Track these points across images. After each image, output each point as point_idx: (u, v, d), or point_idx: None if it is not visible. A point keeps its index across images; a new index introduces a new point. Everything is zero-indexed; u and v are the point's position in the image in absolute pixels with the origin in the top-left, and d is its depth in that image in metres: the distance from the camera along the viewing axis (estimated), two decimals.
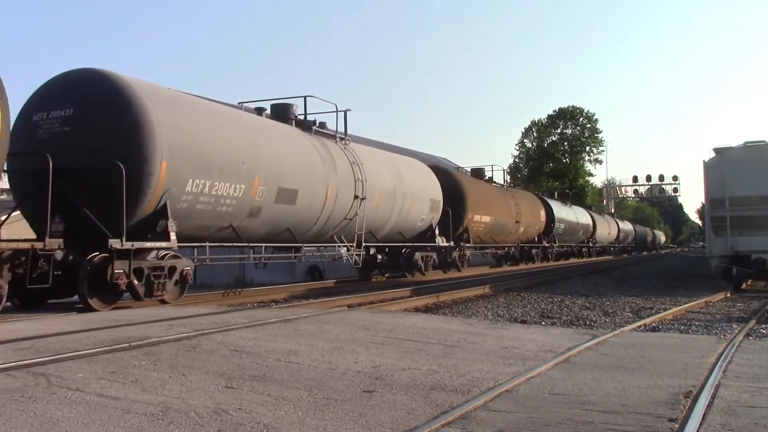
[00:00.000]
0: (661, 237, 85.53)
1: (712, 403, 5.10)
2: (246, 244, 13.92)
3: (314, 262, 21.65)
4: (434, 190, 22.04)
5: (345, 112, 18.06)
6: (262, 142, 13.81)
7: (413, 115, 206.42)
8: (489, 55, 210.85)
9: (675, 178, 79.48)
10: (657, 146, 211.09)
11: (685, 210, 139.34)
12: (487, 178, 31.22)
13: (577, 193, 70.53)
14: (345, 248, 17.11)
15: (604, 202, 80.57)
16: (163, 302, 11.69)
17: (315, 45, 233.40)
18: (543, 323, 11.25)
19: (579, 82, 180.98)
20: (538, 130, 75.99)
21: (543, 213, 36.46)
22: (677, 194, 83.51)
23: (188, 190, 11.46)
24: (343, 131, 17.76)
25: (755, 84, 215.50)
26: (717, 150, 19.62)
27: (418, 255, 21.20)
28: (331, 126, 17.75)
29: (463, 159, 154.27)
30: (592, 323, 11.48)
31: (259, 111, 16.42)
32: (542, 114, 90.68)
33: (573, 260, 44.37)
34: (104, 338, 6.93)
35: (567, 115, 75.40)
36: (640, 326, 10.72)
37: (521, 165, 75.50)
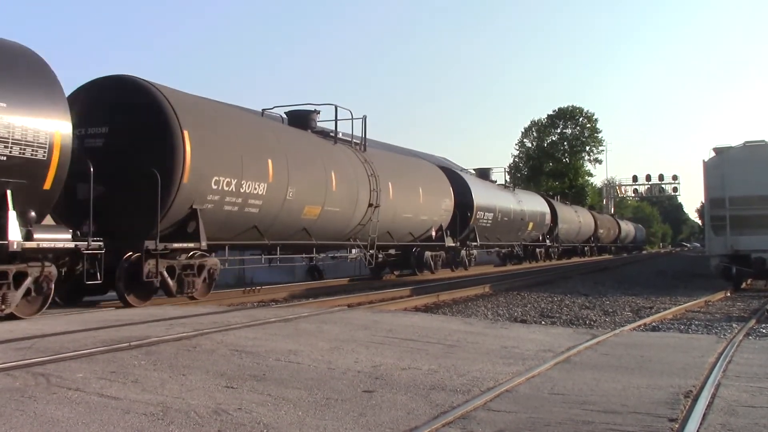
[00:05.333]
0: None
1: (712, 402, 5.10)
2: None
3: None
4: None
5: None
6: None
7: (413, 114, 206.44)
8: (489, 55, 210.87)
9: (675, 177, 79.49)
10: (657, 146, 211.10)
11: (685, 210, 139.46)
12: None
13: (577, 193, 70.56)
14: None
15: (604, 202, 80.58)
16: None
17: (315, 45, 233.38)
18: (543, 323, 11.25)
19: (579, 82, 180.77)
20: (538, 129, 75.97)
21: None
22: (677, 194, 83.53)
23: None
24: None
25: (755, 84, 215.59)
26: (717, 150, 19.62)
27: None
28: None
29: (463, 159, 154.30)
30: (592, 323, 11.48)
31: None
32: (542, 114, 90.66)
33: (575, 259, 44.61)
34: (104, 338, 6.92)
35: (567, 115, 75.37)
36: (640, 326, 10.72)
37: (521, 165, 75.45)
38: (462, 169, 31.08)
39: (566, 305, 14.21)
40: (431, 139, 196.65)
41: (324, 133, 17.47)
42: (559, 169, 73.05)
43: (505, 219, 29.24)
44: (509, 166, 75.06)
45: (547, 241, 37.77)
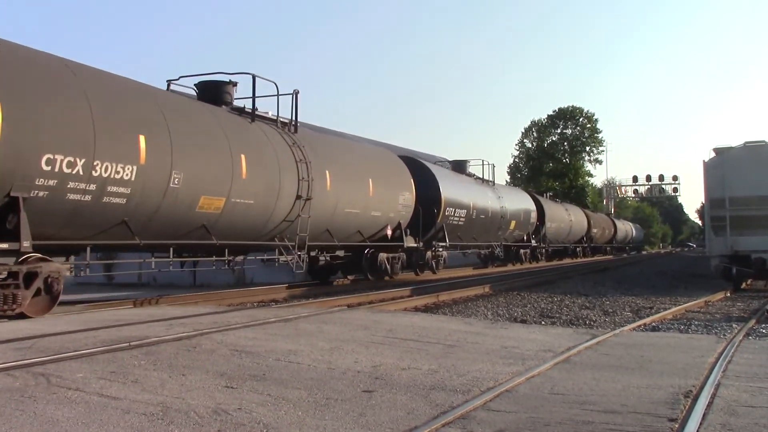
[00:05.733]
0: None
1: (712, 402, 5.10)
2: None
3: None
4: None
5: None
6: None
7: (413, 115, 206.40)
8: (489, 55, 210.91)
9: (675, 178, 79.62)
10: (657, 146, 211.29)
11: (685, 210, 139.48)
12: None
13: (577, 193, 70.57)
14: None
15: (604, 202, 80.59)
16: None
17: (314, 44, 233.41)
18: (543, 323, 11.25)
19: (579, 82, 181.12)
20: (538, 130, 76.00)
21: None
22: (677, 194, 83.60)
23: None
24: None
25: (755, 84, 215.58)
26: (717, 150, 19.63)
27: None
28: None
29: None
30: (592, 323, 11.48)
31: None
32: (542, 114, 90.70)
33: (567, 260, 42.83)
34: (104, 338, 6.92)
35: (567, 115, 75.40)
36: (639, 326, 10.72)
37: (521, 165, 75.52)
38: (437, 162, 27.43)
39: (566, 305, 14.22)
40: (431, 139, 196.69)
41: (242, 110, 14.36)
42: (559, 169, 73.06)
43: (482, 217, 26.26)
44: (509, 167, 75.46)
45: (533, 241, 34.95)
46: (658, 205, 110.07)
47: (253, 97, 14.39)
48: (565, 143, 75.37)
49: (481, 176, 29.18)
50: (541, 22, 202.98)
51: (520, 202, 32.85)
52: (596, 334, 8.83)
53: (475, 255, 30.43)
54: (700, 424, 4.49)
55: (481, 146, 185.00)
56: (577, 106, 75.76)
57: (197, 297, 13.82)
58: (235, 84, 14.60)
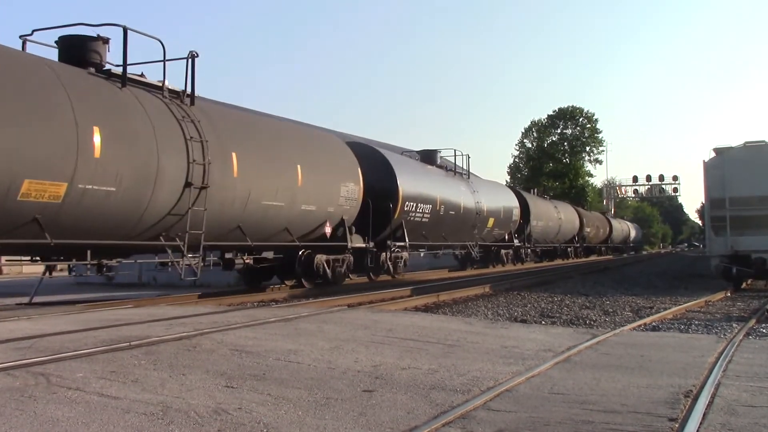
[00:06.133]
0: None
1: (712, 402, 5.10)
2: None
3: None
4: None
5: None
6: None
7: (413, 115, 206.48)
8: (489, 56, 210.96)
9: (675, 178, 79.64)
10: (657, 146, 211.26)
11: (685, 210, 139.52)
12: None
13: (577, 193, 70.57)
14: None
15: (604, 202, 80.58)
16: None
17: (314, 44, 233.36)
18: (543, 322, 11.24)
19: (579, 82, 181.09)
20: (538, 130, 76.00)
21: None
22: (677, 194, 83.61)
23: None
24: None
25: (755, 84, 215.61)
26: (717, 150, 19.62)
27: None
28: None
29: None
30: (592, 322, 11.48)
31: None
32: (542, 114, 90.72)
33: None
34: (104, 338, 6.92)
35: (567, 115, 75.40)
36: (640, 325, 10.72)
37: (521, 165, 75.53)
38: (406, 152, 24.80)
39: (566, 305, 14.21)
40: (431, 140, 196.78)
41: (112, 74, 11.19)
42: (559, 169, 73.07)
43: (452, 213, 23.33)
44: (510, 167, 75.43)
45: (516, 240, 31.96)
46: (658, 205, 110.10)
47: (124, 53, 11.19)
48: (565, 143, 75.37)
49: (457, 168, 26.20)
50: (541, 23, 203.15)
51: (500, 197, 29.86)
52: (596, 334, 8.83)
53: (451, 256, 28.25)
54: (700, 423, 4.49)
55: (481, 146, 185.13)
56: (577, 106, 75.85)
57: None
58: (106, 41, 11.42)
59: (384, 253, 19.41)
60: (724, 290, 17.38)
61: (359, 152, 18.31)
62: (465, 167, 26.75)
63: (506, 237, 30.74)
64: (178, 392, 4.87)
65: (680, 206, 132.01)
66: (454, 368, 6.13)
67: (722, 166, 18.79)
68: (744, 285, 19.36)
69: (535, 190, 43.04)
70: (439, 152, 25.60)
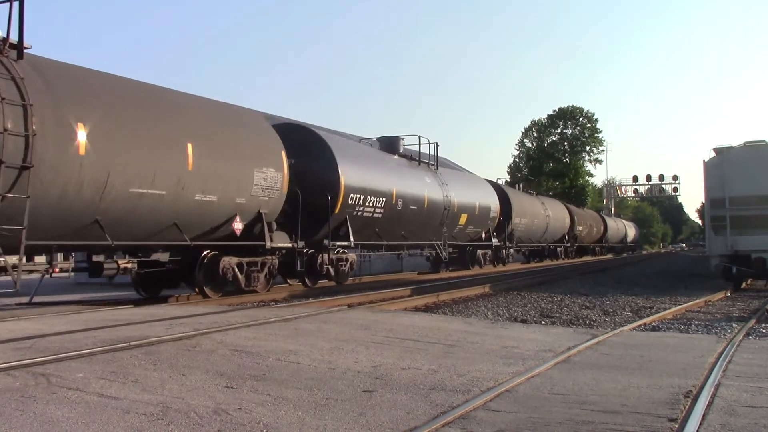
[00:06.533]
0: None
1: (712, 402, 5.10)
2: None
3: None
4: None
5: None
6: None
7: (413, 115, 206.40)
8: (489, 56, 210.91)
9: (675, 177, 79.51)
10: (657, 146, 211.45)
11: (685, 210, 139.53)
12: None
13: (577, 193, 70.55)
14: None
15: (604, 202, 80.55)
16: None
17: (314, 45, 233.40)
18: (543, 322, 11.24)
19: (579, 82, 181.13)
20: (538, 130, 76.00)
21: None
22: (677, 194, 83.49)
23: None
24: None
25: (755, 84, 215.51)
26: (717, 150, 19.63)
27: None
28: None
29: (463, 159, 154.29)
30: (592, 322, 11.47)
31: None
32: (542, 114, 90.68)
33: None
34: (104, 338, 6.92)
35: (567, 115, 75.39)
36: (640, 326, 10.71)
37: (521, 165, 75.51)
38: (364, 139, 22.24)
39: (566, 305, 14.21)
40: (431, 139, 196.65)
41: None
42: (559, 169, 73.07)
43: (413, 208, 20.36)
44: (510, 166, 75.39)
45: (495, 240, 28.87)
46: (658, 204, 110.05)
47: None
48: (565, 143, 75.36)
49: (422, 158, 22.82)
50: (541, 23, 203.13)
51: (475, 192, 26.56)
52: (596, 334, 8.83)
53: (420, 257, 25.89)
54: (700, 424, 4.49)
55: (481, 146, 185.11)
56: (577, 106, 75.85)
57: (198, 297, 13.80)
58: None
59: (322, 256, 16.49)
60: (724, 290, 17.37)
61: (287, 133, 15.51)
62: (433, 156, 23.43)
63: (483, 236, 27.72)
64: (178, 392, 4.87)
65: (680, 206, 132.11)
66: (454, 368, 6.13)
67: (722, 166, 18.79)
68: (744, 285, 19.35)
69: (520, 186, 39.90)
70: (403, 139, 22.20)
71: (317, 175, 16.10)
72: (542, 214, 36.43)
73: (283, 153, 14.53)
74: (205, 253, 13.21)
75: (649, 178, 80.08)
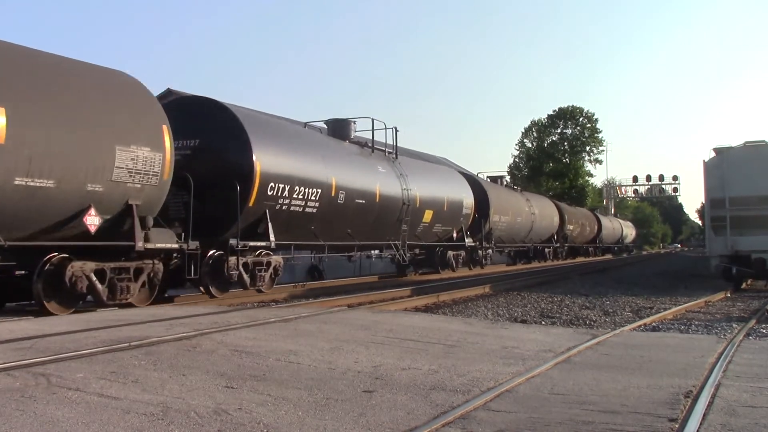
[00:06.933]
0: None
1: (713, 402, 5.10)
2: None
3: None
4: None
5: None
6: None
7: (413, 115, 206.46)
8: (489, 56, 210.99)
9: (675, 178, 79.59)
10: (657, 146, 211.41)
11: (685, 210, 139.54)
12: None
13: (577, 193, 70.57)
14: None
15: (604, 202, 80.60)
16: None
17: (314, 45, 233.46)
18: (543, 323, 11.24)
19: (579, 82, 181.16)
20: (538, 130, 76.04)
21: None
22: (677, 194, 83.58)
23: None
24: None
25: (755, 84, 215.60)
26: (717, 150, 19.64)
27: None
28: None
29: (463, 159, 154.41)
30: (592, 323, 11.48)
31: None
32: (542, 114, 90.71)
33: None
34: (104, 338, 6.92)
35: (567, 115, 75.43)
36: (640, 326, 10.72)
37: (521, 165, 75.55)
38: (310, 122, 19.62)
39: (566, 305, 14.21)
40: (431, 140, 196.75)
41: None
42: (559, 169, 73.10)
43: (360, 202, 17.24)
44: (510, 166, 75.40)
45: (468, 240, 25.19)
46: (658, 205, 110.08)
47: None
48: (565, 143, 75.40)
49: (377, 144, 19.78)
50: (541, 23, 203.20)
51: (444, 185, 23.24)
52: (596, 334, 8.83)
53: (386, 259, 22.75)
54: (701, 424, 4.49)
55: (481, 146, 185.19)
56: (577, 106, 75.89)
57: (198, 297, 13.80)
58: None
59: (232, 258, 13.18)
60: (724, 290, 17.38)
61: (187, 107, 13.41)
62: (391, 145, 20.14)
63: (455, 235, 24.33)
64: (178, 393, 4.87)
65: (680, 206, 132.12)
66: (454, 369, 6.13)
67: (722, 166, 18.80)
68: (744, 285, 19.36)
69: (502, 180, 35.94)
70: (354, 122, 19.04)
71: (226, 159, 13.11)
72: (527, 211, 33.22)
73: (165, 128, 11.17)
74: (49, 257, 9.95)
75: (649, 178, 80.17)
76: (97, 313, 9.97)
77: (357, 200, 17.19)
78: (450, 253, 24.46)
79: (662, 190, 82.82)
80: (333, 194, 16.04)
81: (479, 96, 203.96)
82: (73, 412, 4.28)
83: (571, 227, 42.90)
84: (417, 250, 22.24)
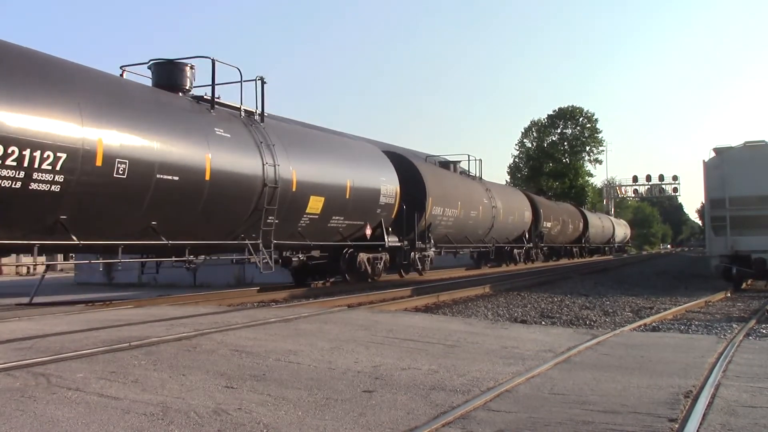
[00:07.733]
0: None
1: (712, 403, 5.10)
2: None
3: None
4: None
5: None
6: None
7: (413, 115, 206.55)
8: (488, 56, 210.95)
9: (675, 178, 79.58)
10: (657, 146, 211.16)
11: (685, 210, 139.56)
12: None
13: (577, 193, 70.54)
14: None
15: (604, 202, 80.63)
16: None
17: (314, 45, 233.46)
18: (543, 323, 11.24)
19: (579, 82, 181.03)
20: (538, 130, 76.02)
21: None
22: (677, 194, 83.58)
23: None
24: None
25: (755, 84, 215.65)
26: (717, 150, 19.63)
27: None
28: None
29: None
30: (592, 323, 11.48)
31: None
32: (542, 114, 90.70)
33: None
34: (104, 338, 6.93)
35: (567, 115, 75.42)
36: (640, 326, 10.71)
37: (521, 165, 75.55)
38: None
39: (566, 305, 14.21)
40: (431, 139, 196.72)
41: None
42: (559, 169, 73.07)
43: (172, 179, 11.46)
44: (509, 166, 75.39)
45: (391, 237, 19.31)
46: (658, 205, 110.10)
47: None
48: (565, 143, 75.39)
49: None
50: (541, 23, 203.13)
51: (347, 164, 17.34)
52: (596, 334, 8.83)
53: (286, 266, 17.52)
54: (700, 424, 4.49)
55: (481, 146, 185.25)
56: (577, 106, 75.88)
57: (197, 297, 13.80)
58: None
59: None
60: (724, 290, 17.37)
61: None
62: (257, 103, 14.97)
63: (368, 232, 18.83)
64: (178, 393, 4.87)
65: (680, 206, 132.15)
66: (454, 369, 6.13)
67: (722, 166, 18.79)
68: (744, 285, 19.35)
69: (455, 166, 27.71)
70: (192, 67, 13.62)
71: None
72: (486, 204, 26.92)
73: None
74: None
75: (649, 178, 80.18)
76: (97, 313, 9.98)
77: (162, 176, 11.27)
78: (362, 255, 18.56)
79: (662, 190, 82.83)
80: (98, 163, 10.13)
81: (479, 96, 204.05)
82: (73, 412, 4.28)
83: (548, 224, 36.53)
84: (317, 253, 17.39)
